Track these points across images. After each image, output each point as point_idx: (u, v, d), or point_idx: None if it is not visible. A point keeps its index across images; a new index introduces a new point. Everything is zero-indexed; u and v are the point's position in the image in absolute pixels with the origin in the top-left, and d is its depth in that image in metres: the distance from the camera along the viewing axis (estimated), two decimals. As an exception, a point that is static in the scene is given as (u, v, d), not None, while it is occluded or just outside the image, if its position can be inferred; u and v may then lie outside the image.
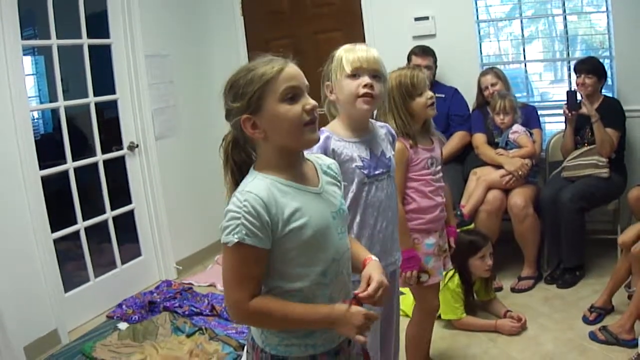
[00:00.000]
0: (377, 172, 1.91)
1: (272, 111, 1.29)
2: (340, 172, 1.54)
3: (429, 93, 2.24)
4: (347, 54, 1.87)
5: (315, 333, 1.36)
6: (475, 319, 3.11)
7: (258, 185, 1.29)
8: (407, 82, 2.20)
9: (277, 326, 1.35)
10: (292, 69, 1.33)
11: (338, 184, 1.48)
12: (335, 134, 1.90)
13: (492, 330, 3.02)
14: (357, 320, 1.31)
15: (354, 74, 1.86)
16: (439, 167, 2.34)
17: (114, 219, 3.97)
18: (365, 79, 1.85)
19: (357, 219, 1.90)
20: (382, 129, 2.03)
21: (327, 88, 1.92)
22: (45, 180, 3.40)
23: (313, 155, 1.50)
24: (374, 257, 1.48)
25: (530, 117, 3.74)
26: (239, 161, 1.38)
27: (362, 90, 1.85)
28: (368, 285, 1.36)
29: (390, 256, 2.00)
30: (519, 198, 3.48)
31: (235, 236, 1.25)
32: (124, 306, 3.68)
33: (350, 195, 1.87)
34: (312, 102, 1.34)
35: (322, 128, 1.85)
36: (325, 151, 1.82)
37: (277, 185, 1.31)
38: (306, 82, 1.36)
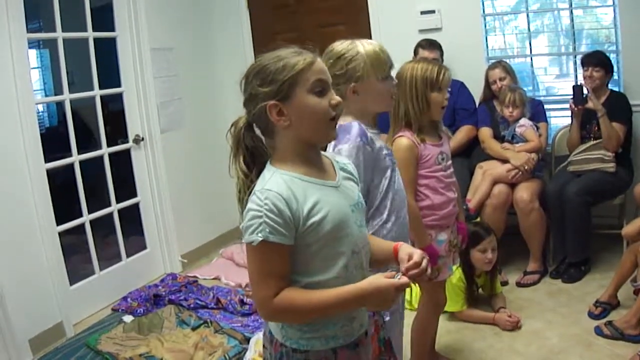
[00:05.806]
0: (394, 160, 1.95)
1: (302, 101, 1.31)
2: (361, 171, 1.58)
3: (447, 94, 2.26)
4: (381, 54, 1.87)
5: (336, 325, 1.36)
6: (476, 311, 3.12)
7: (277, 182, 1.30)
8: (432, 76, 2.21)
9: (307, 318, 1.34)
10: (321, 63, 1.36)
11: (354, 180, 1.48)
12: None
13: (490, 322, 3.04)
14: (390, 292, 1.28)
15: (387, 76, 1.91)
16: (450, 162, 2.35)
17: (119, 212, 3.98)
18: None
19: (389, 205, 1.90)
20: None
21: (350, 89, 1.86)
22: (50, 173, 3.41)
23: (329, 153, 1.51)
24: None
25: (536, 111, 3.73)
26: (250, 146, 1.37)
27: (393, 90, 1.97)
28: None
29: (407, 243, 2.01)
30: (524, 192, 3.47)
31: (260, 235, 1.25)
32: (129, 299, 3.70)
33: (385, 182, 1.89)
34: (338, 98, 1.36)
35: (350, 121, 1.84)
36: (365, 137, 1.82)
37: (296, 180, 1.32)
38: (331, 79, 1.38)
